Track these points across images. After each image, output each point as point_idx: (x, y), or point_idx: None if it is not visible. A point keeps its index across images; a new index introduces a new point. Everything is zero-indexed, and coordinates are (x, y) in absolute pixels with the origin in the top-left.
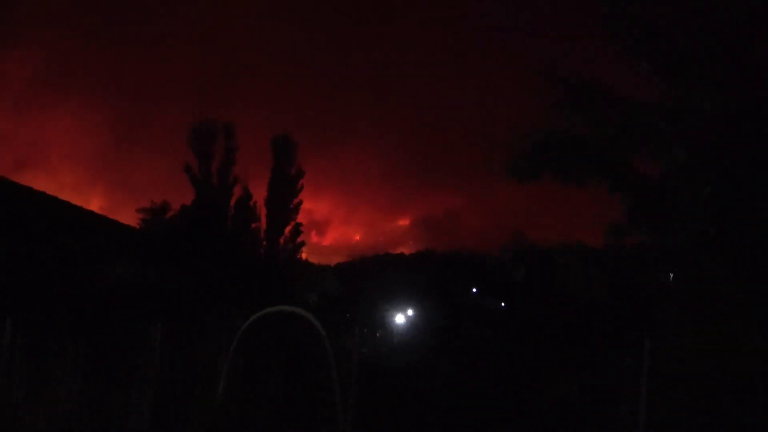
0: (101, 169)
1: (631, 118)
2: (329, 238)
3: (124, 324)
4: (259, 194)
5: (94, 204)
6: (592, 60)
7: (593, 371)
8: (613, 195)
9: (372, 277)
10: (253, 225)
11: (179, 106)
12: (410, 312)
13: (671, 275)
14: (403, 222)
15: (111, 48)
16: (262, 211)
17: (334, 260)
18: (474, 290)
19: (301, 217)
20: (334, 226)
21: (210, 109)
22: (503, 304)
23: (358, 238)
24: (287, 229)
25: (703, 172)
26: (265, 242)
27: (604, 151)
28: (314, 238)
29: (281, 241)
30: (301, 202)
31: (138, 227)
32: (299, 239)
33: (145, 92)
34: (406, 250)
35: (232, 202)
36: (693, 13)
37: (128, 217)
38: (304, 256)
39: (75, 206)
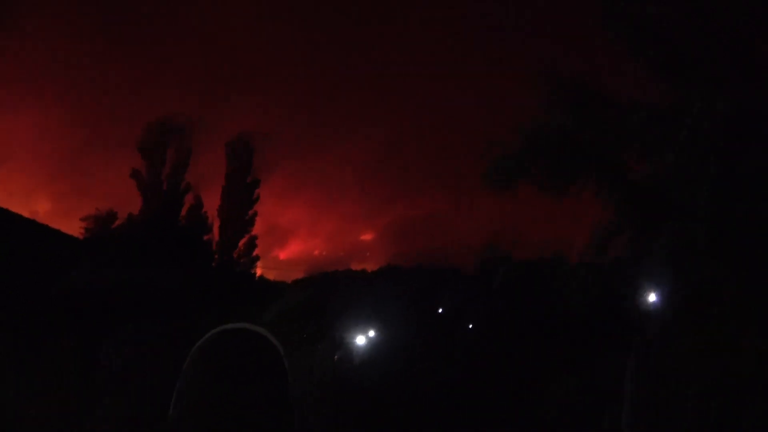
0: (51, 173)
1: (623, 118)
2: (288, 252)
3: (58, 337)
4: (213, 203)
5: (42, 208)
6: (588, 61)
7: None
8: (601, 195)
9: (332, 294)
10: (205, 237)
11: (136, 108)
12: (371, 333)
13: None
14: (368, 236)
15: (63, 45)
16: (215, 222)
17: (293, 276)
18: (440, 310)
19: (258, 229)
20: (293, 239)
21: (166, 110)
22: (470, 326)
23: (317, 252)
24: (242, 242)
25: (700, 173)
26: (217, 255)
27: (594, 150)
28: (273, 251)
29: (234, 254)
30: (256, 214)
31: (81, 237)
32: (255, 252)
33: (99, 92)
34: (369, 265)
35: (183, 211)
36: (693, 13)
37: (74, 225)
38: (259, 271)
39: (12, 213)
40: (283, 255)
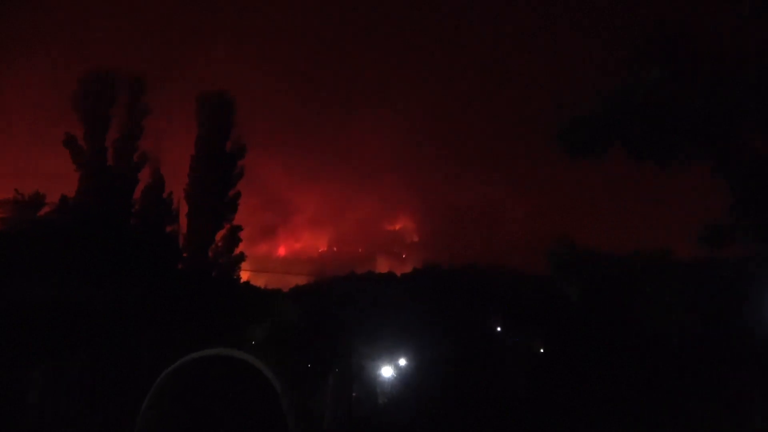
0: None
1: (740, 77)
2: (285, 248)
3: None
4: (179, 181)
5: None
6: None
7: None
8: (719, 172)
9: (346, 306)
10: (168, 228)
11: (76, 53)
12: (402, 361)
13: None
14: (396, 226)
15: None
16: (182, 208)
17: (291, 281)
18: (498, 328)
19: (243, 217)
20: (293, 231)
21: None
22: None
23: (324, 249)
24: (219, 235)
25: None
26: (185, 254)
27: (703, 119)
28: (264, 247)
29: (210, 252)
30: (239, 195)
31: None
32: (238, 249)
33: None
34: (398, 266)
35: (137, 192)
36: None
37: None
38: (244, 275)
39: None
40: (278, 252)
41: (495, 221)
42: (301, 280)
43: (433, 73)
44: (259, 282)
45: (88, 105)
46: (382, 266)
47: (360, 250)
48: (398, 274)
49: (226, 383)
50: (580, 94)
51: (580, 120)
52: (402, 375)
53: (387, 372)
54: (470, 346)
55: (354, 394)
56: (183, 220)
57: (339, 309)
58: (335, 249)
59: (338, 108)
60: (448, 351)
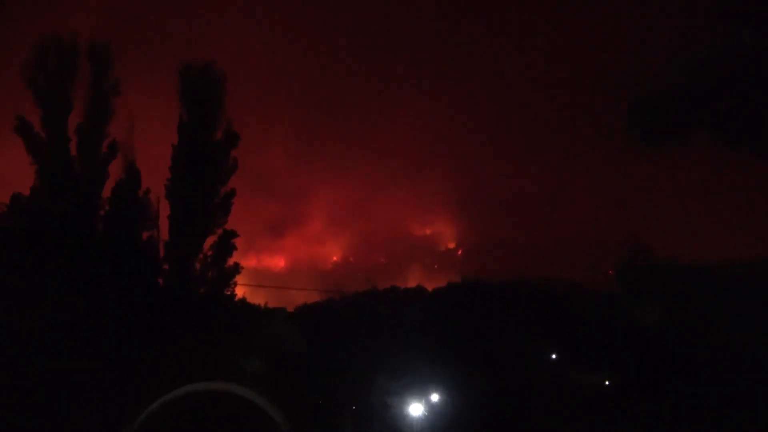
0: None
1: None
2: (289, 258)
3: None
4: (159, 176)
5: None
6: None
7: None
8: None
9: (365, 329)
10: (146, 234)
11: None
12: (435, 397)
13: None
14: (427, 230)
15: None
16: (163, 209)
17: (296, 300)
18: (553, 356)
19: (237, 220)
20: (298, 236)
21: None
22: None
23: (337, 258)
24: (208, 242)
25: None
26: (166, 265)
27: None
28: (262, 257)
29: (197, 263)
30: (233, 193)
31: None
32: (231, 260)
33: None
34: (430, 280)
35: (107, 189)
36: None
37: None
38: (239, 291)
39: None
40: (281, 263)
41: (548, 224)
42: (309, 297)
43: (477, 51)
44: (258, 299)
45: (44, 80)
46: (410, 279)
47: (382, 260)
48: (429, 289)
49: (222, 423)
50: (654, 67)
51: (654, 98)
52: (434, 413)
53: (416, 410)
54: (517, 379)
55: None
56: (164, 224)
57: (356, 332)
58: (351, 259)
59: (365, 89)
60: (491, 384)
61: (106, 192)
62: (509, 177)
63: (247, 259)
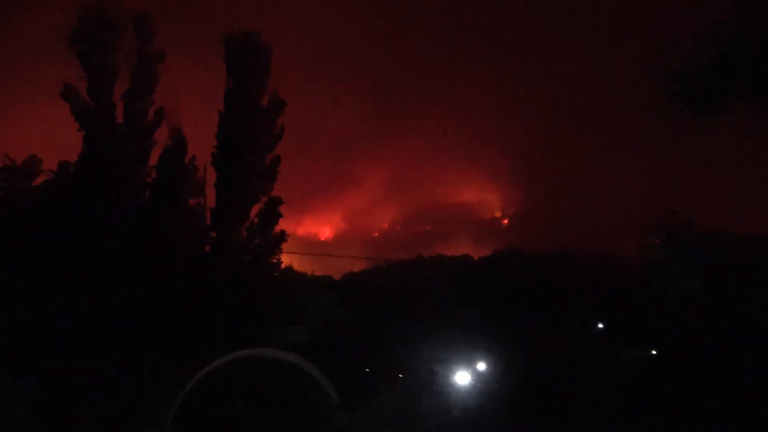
0: None
1: None
2: (334, 226)
3: None
4: (205, 143)
5: None
6: None
7: None
8: None
9: (411, 297)
10: (192, 201)
11: None
12: (481, 366)
13: None
14: (473, 199)
15: None
16: (210, 175)
17: (344, 266)
18: (600, 325)
19: (283, 187)
20: (346, 204)
21: None
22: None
23: (386, 225)
24: (255, 210)
25: None
26: (213, 233)
27: None
28: (309, 224)
29: (243, 231)
30: (278, 160)
31: None
32: (277, 228)
33: None
34: (475, 249)
35: (154, 157)
36: None
37: None
38: (285, 259)
39: None
40: (327, 230)
41: (593, 197)
42: (355, 265)
43: (529, 23)
44: (304, 267)
45: (89, 48)
46: (456, 248)
47: (428, 228)
48: (476, 257)
49: (271, 390)
50: (696, 36)
51: (696, 67)
52: (481, 381)
53: (463, 378)
54: (562, 349)
55: (423, 405)
56: (210, 192)
57: (402, 300)
58: (398, 227)
59: (418, 58)
60: (536, 354)
61: (153, 159)
62: (554, 147)
63: (293, 227)
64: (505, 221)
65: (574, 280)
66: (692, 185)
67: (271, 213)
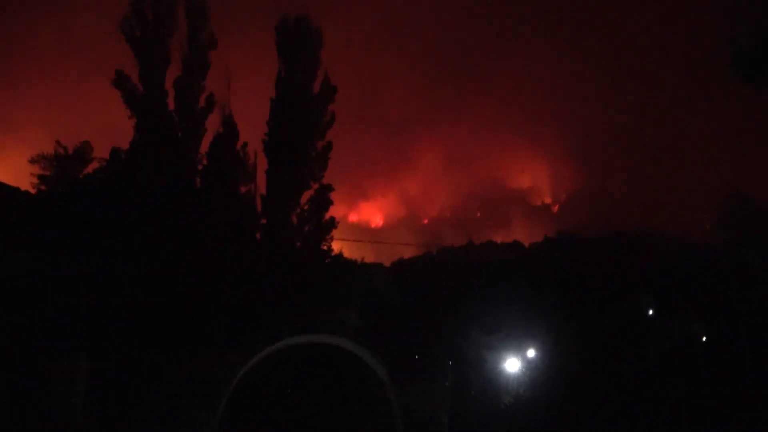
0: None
1: None
2: (385, 214)
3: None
4: (256, 130)
5: None
6: None
7: None
8: None
9: (461, 284)
10: (243, 188)
11: None
12: (531, 352)
13: None
14: (523, 184)
15: None
16: (260, 162)
17: (395, 253)
18: (650, 312)
19: (334, 174)
20: (396, 191)
21: None
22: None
23: (436, 214)
24: (305, 196)
25: None
26: (264, 219)
27: None
28: (360, 211)
29: (293, 217)
30: (329, 146)
31: (33, 191)
32: (327, 215)
33: None
34: (525, 234)
35: (205, 144)
36: None
37: (18, 172)
38: (336, 246)
39: None
40: (378, 218)
41: (647, 174)
42: (406, 252)
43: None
44: (355, 254)
45: (141, 34)
46: (506, 234)
47: (478, 214)
48: (526, 244)
49: (324, 375)
50: (758, 9)
51: (757, 40)
52: (531, 368)
53: (513, 365)
54: (615, 334)
55: (472, 392)
56: (261, 179)
57: (453, 287)
58: (448, 214)
59: (477, 42)
60: (589, 340)
61: (204, 146)
62: (610, 131)
63: (346, 212)
64: (555, 208)
65: (626, 261)
66: (754, 166)
67: (322, 200)
